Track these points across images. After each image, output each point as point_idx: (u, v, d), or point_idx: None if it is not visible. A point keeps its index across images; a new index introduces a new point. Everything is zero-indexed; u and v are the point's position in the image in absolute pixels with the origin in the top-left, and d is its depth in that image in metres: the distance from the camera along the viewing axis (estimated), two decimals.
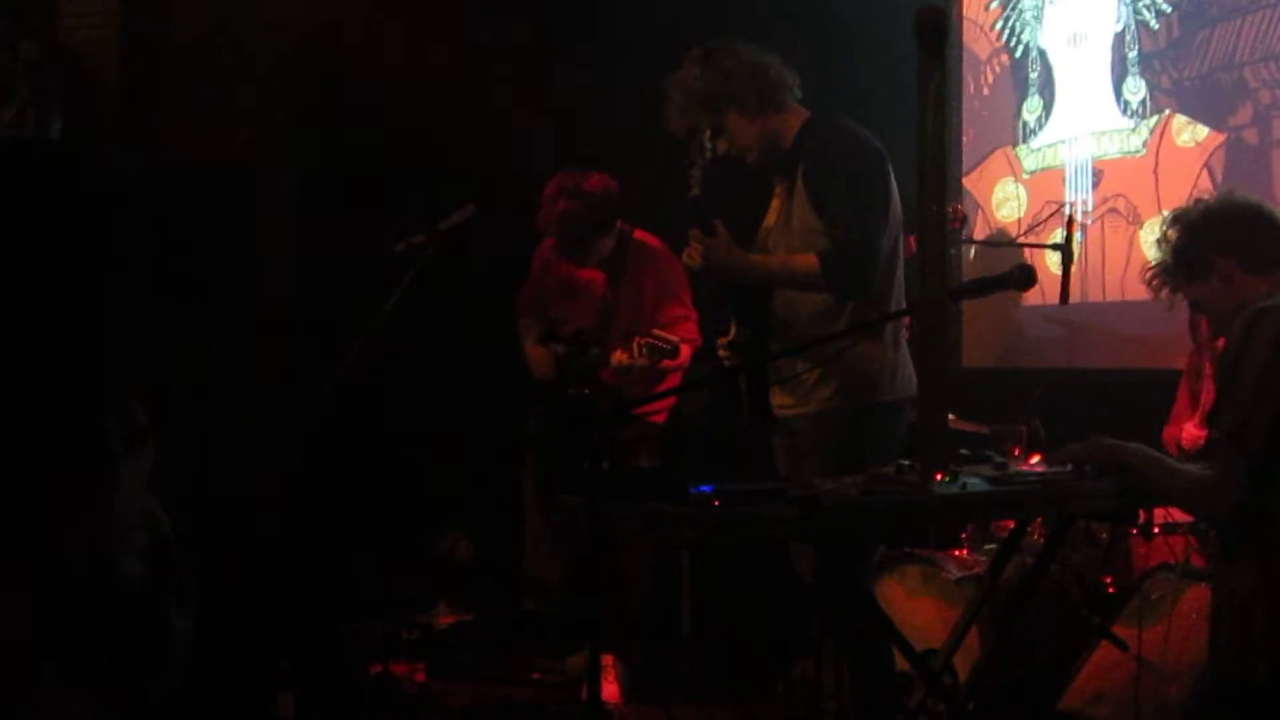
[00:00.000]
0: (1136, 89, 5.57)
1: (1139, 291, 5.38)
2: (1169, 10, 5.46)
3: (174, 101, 5.69)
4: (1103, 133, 5.71)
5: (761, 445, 4.03)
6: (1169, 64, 5.48)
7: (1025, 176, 6.04)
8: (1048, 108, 5.95)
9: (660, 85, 4.03)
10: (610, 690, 4.96)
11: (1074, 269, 4.94)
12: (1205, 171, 5.30)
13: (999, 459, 3.41)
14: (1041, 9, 6.00)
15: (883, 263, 3.84)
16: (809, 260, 3.80)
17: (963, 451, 3.40)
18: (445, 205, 4.90)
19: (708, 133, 3.94)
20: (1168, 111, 5.47)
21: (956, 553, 4.79)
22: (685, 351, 5.05)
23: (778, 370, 3.91)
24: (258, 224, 5.97)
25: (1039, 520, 4.25)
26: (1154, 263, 3.16)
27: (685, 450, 5.31)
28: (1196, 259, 3.06)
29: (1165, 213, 3.35)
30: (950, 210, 4.98)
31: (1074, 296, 5.03)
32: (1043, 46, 5.99)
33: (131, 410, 2.85)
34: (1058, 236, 5.06)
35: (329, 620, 5.21)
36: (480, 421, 5.85)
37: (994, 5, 6.21)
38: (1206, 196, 3.36)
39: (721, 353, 3.99)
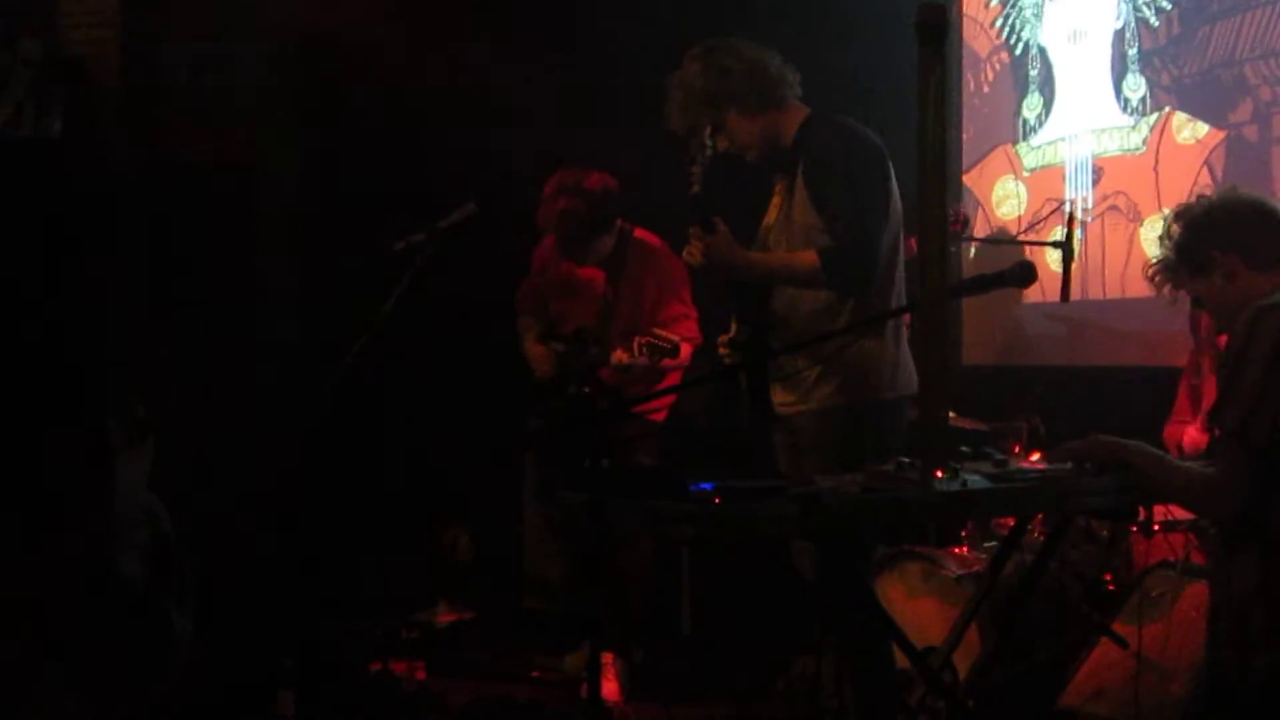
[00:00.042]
0: (1137, 86, 5.57)
1: (1139, 289, 5.39)
2: (1169, 7, 5.46)
3: (174, 101, 5.70)
4: (1103, 130, 5.71)
5: (762, 443, 4.03)
6: (1169, 61, 5.48)
7: (1025, 174, 6.03)
8: (1048, 105, 5.95)
9: (660, 83, 4.03)
10: (610, 688, 4.96)
11: (1074, 266, 4.94)
12: (1205, 169, 5.30)
13: (999, 456, 3.41)
14: (1041, 6, 6.00)
15: (883, 260, 3.84)
16: (809, 258, 3.80)
17: (963, 449, 3.40)
18: (445, 204, 4.90)
19: (708, 130, 3.94)
20: (1168, 109, 5.46)
21: (956, 550, 4.79)
22: (685, 350, 5.04)
23: (778, 368, 3.91)
24: (257, 223, 5.98)
25: (1039, 518, 4.25)
26: (1156, 259, 3.16)
27: (685, 448, 5.31)
28: (1199, 255, 3.06)
29: (1166, 210, 3.35)
30: (952, 213, 4.98)
31: (1074, 294, 5.02)
32: (1043, 44, 5.99)
33: (131, 408, 2.85)
34: (1058, 234, 5.06)
35: (329, 619, 5.21)
36: (480, 420, 5.85)
37: (994, 3, 6.21)
38: (1209, 193, 3.35)
39: (722, 350, 4.00)
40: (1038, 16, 6.01)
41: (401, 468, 5.98)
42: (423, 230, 4.81)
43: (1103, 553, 4.58)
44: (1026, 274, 3.37)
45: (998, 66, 6.20)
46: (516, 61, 6.07)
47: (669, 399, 5.21)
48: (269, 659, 4.58)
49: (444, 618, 5.85)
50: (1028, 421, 4.91)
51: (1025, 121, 6.05)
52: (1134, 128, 5.58)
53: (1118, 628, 4.12)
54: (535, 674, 5.25)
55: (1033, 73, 6.02)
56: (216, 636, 4.40)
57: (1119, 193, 5.64)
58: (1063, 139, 5.88)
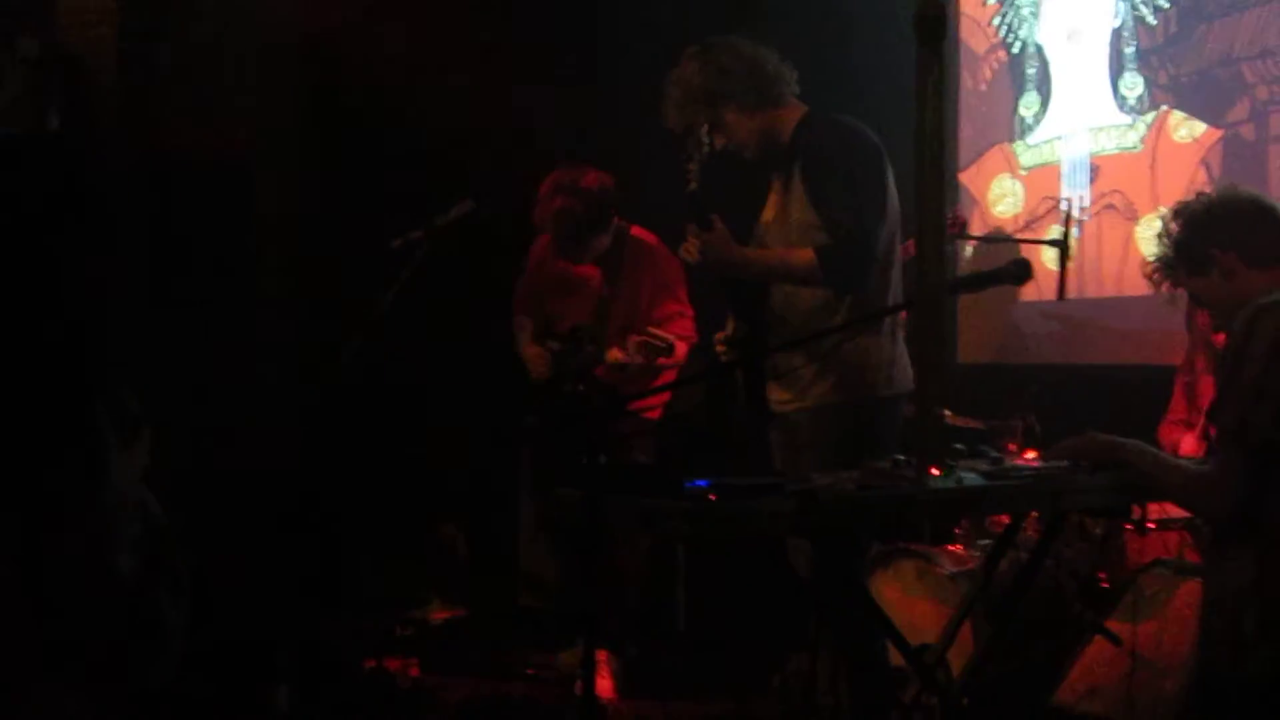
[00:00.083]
0: (1134, 85, 5.57)
1: (1135, 287, 5.40)
2: (1167, 6, 5.46)
3: (172, 101, 5.69)
4: (1100, 128, 5.71)
5: (758, 440, 4.04)
6: (1166, 60, 5.48)
7: (1022, 172, 6.04)
8: (1045, 104, 5.95)
9: (658, 81, 4.03)
10: (604, 686, 4.96)
11: (1071, 265, 4.95)
12: (1202, 167, 5.31)
13: (995, 454, 3.41)
14: (1039, 5, 6.00)
15: (880, 257, 3.85)
16: (806, 255, 3.80)
17: (958, 447, 3.40)
18: (443, 203, 4.90)
19: (705, 128, 3.95)
20: (1165, 107, 5.47)
21: (951, 548, 4.79)
22: (681, 349, 5.05)
23: (775, 365, 3.91)
24: (255, 221, 5.98)
25: (1034, 516, 4.26)
26: (1155, 256, 3.16)
27: (681, 445, 5.31)
28: (1198, 253, 3.06)
29: (1163, 208, 3.35)
30: (950, 216, 4.99)
31: (1071, 292, 5.03)
32: (1040, 42, 5.99)
33: (124, 401, 2.85)
34: (1054, 232, 5.06)
35: (325, 615, 5.21)
36: (477, 417, 5.85)
37: (991, 1, 6.21)
38: (1208, 190, 3.35)
39: (719, 348, 4.00)
40: (1035, 15, 6.01)
41: (398, 464, 5.98)
42: (420, 228, 4.81)
43: (1097, 551, 4.58)
44: (1023, 272, 3.37)
45: (995, 65, 6.20)
46: (514, 60, 6.08)
47: (664, 397, 5.21)
48: (265, 655, 4.58)
49: (438, 615, 5.85)
50: (1023, 419, 4.91)
51: (1022, 120, 6.05)
52: (1131, 126, 5.59)
53: (1112, 626, 4.13)
54: (530, 671, 5.25)
55: (1030, 71, 6.02)
56: (212, 633, 4.41)
57: (1116, 191, 5.65)
58: (1059, 137, 5.88)
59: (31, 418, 2.54)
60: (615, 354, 5.02)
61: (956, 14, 6.22)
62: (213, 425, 5.29)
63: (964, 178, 6.24)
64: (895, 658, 3.56)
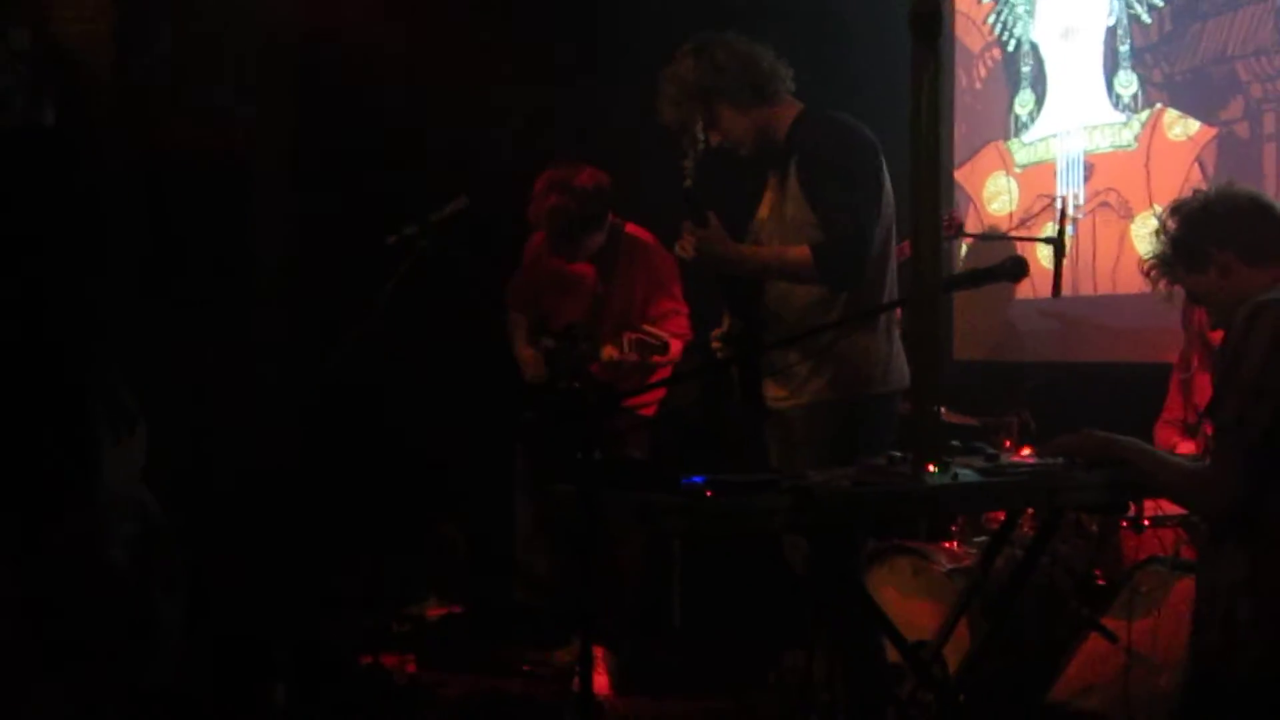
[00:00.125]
0: (1128, 83, 5.58)
1: (1130, 285, 5.41)
2: (1161, 4, 5.47)
3: (170, 97, 5.69)
4: (1094, 127, 5.71)
5: (754, 437, 4.04)
6: (1161, 58, 5.49)
7: (1017, 170, 6.04)
8: (1039, 102, 5.96)
9: (653, 78, 4.03)
10: (600, 682, 4.97)
11: (1065, 262, 4.95)
12: (1196, 165, 5.31)
13: (990, 451, 3.41)
14: (1034, 3, 6.00)
15: (875, 255, 3.85)
16: (802, 252, 3.80)
17: (954, 443, 3.40)
18: (440, 201, 4.90)
19: (700, 125, 3.95)
20: (1159, 105, 5.47)
21: (947, 545, 4.80)
22: (675, 346, 5.04)
23: (770, 362, 3.91)
24: (252, 218, 5.97)
25: (1029, 513, 4.26)
26: (1152, 253, 3.15)
27: (676, 442, 5.31)
28: (1195, 250, 3.06)
29: (1157, 206, 3.35)
30: (946, 217, 4.99)
31: (1065, 290, 5.03)
32: (1035, 40, 5.99)
33: (119, 398, 2.84)
34: (1049, 230, 5.07)
35: (322, 613, 5.21)
36: (474, 414, 5.85)
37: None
38: (1206, 188, 3.35)
39: (715, 344, 4.00)
40: (1030, 13, 6.02)
41: (395, 462, 5.98)
42: (415, 223, 4.81)
43: (1093, 548, 4.59)
44: (1019, 269, 3.38)
45: (990, 63, 6.21)
46: (512, 58, 6.08)
47: (660, 393, 5.21)
48: (262, 653, 4.58)
49: (434, 611, 5.85)
50: (1019, 416, 4.93)
51: (1017, 118, 6.06)
52: (1125, 124, 5.59)
53: (1107, 622, 4.14)
54: (526, 668, 5.25)
55: (1025, 69, 6.03)
56: (211, 630, 4.41)
57: (1110, 189, 5.65)
58: (1054, 135, 5.88)
59: (25, 415, 2.54)
60: (610, 351, 5.02)
61: (951, 12, 6.23)
62: (210, 424, 5.29)
63: (959, 175, 6.24)
64: (892, 654, 3.56)
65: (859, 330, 3.82)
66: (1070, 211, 5.48)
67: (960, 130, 6.28)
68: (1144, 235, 5.33)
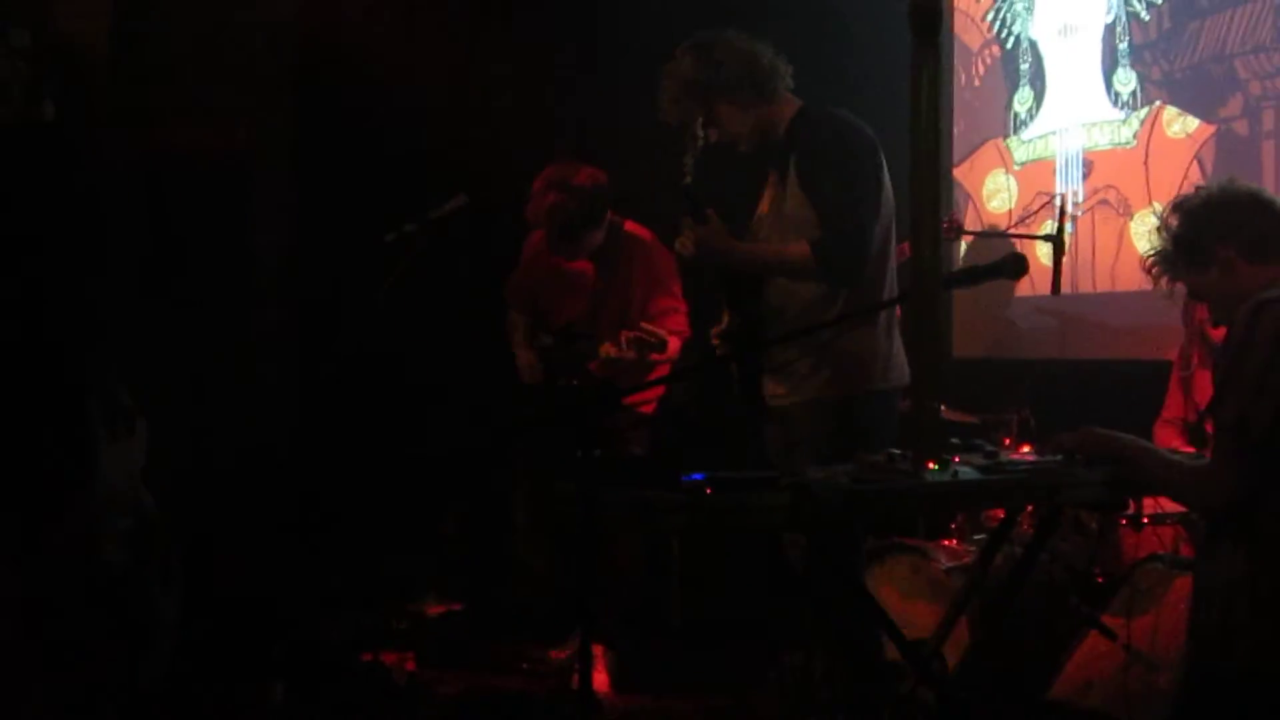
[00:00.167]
0: (1127, 80, 5.58)
1: (1129, 283, 5.41)
2: (1160, 2, 5.47)
3: (168, 94, 5.69)
4: (1093, 124, 5.71)
5: (753, 434, 4.04)
6: (1160, 55, 5.49)
7: (1016, 168, 6.04)
8: (1038, 99, 5.96)
9: (653, 78, 4.03)
10: (599, 680, 4.96)
11: (1064, 260, 4.95)
12: (1195, 163, 5.31)
13: (990, 449, 3.41)
14: (1033, 0, 6.00)
15: (875, 251, 3.85)
16: (801, 249, 3.81)
17: (954, 441, 3.40)
18: (439, 199, 4.90)
19: (700, 122, 3.95)
20: (1158, 103, 5.47)
21: (946, 543, 4.80)
22: (674, 344, 5.05)
23: (770, 359, 3.91)
24: (252, 215, 5.97)
25: (1029, 510, 4.26)
26: (1154, 250, 3.15)
27: (675, 439, 5.31)
28: (1197, 247, 3.05)
29: (1156, 204, 3.35)
30: (946, 221, 4.99)
31: (1065, 288, 5.03)
32: (1034, 38, 5.99)
33: (116, 395, 2.84)
34: (1048, 228, 5.07)
35: (320, 610, 5.21)
36: (473, 412, 5.85)
37: None
38: (1207, 184, 3.34)
39: (715, 342, 4.00)
40: (1029, 10, 6.02)
41: (394, 459, 5.98)
42: (414, 221, 4.81)
43: (1092, 545, 4.59)
44: (1018, 266, 3.38)
45: (988, 60, 6.21)
46: (510, 56, 6.08)
47: (659, 390, 5.21)
48: (262, 651, 4.58)
49: (433, 608, 5.85)
50: (1018, 414, 4.93)
51: (1016, 115, 6.06)
52: (1124, 122, 5.59)
53: (1107, 620, 4.14)
54: (524, 665, 5.25)
55: (1023, 67, 6.03)
56: (210, 628, 4.41)
57: (1109, 187, 5.65)
58: (1053, 133, 5.88)
59: (21, 412, 2.54)
60: (607, 349, 5.02)
61: (950, 9, 6.22)
62: (210, 422, 5.29)
63: (958, 173, 6.24)
64: (891, 652, 3.56)
65: (859, 327, 3.82)
66: (1069, 209, 5.47)
67: (959, 128, 6.28)
68: (1143, 233, 5.36)
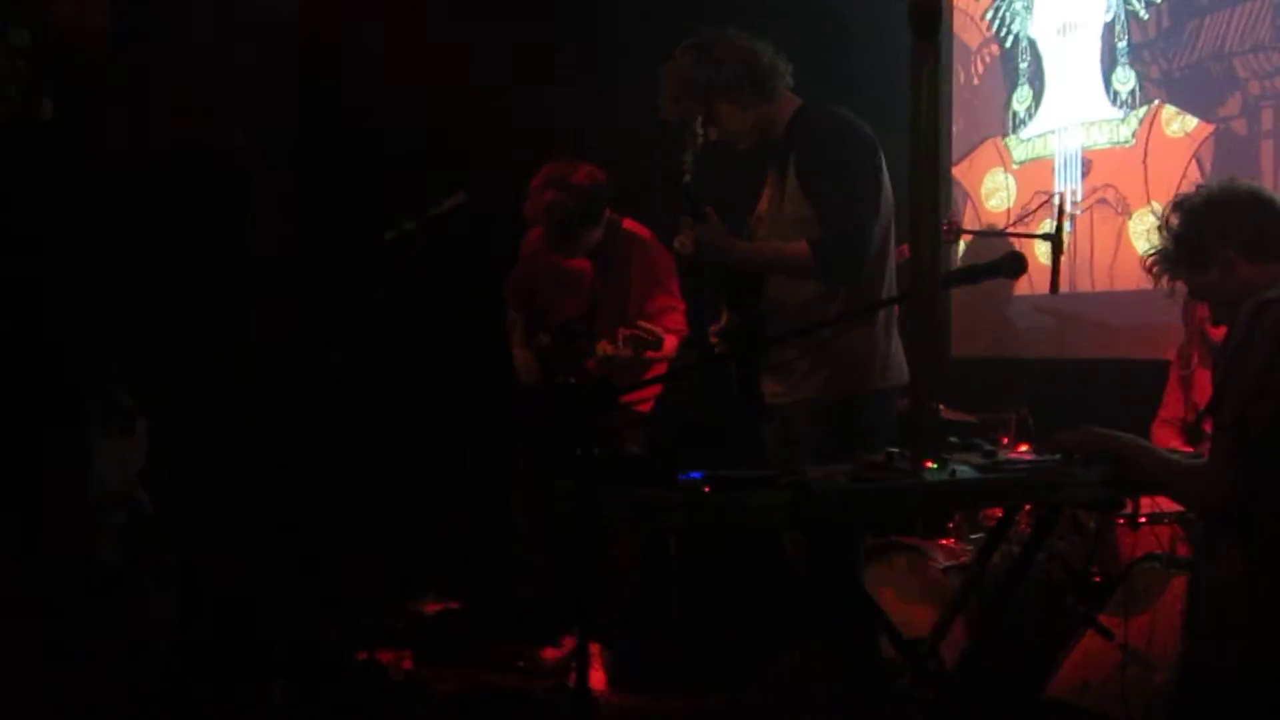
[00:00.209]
0: (1126, 79, 5.58)
1: (1128, 282, 5.42)
2: (1159, 1, 5.47)
3: (170, 95, 5.68)
4: (1092, 123, 5.72)
5: (751, 433, 4.04)
6: (1159, 54, 5.49)
7: (1015, 167, 6.05)
8: (1037, 98, 5.96)
9: (653, 77, 4.04)
10: (596, 678, 4.97)
11: (1063, 259, 4.95)
12: (1194, 162, 5.31)
13: (988, 448, 3.42)
14: None
15: (874, 251, 3.85)
16: (801, 247, 3.81)
17: (952, 440, 3.41)
18: (439, 197, 4.90)
19: (700, 120, 3.95)
20: (1157, 102, 5.48)
21: (944, 541, 4.80)
22: (672, 342, 5.05)
23: (769, 358, 3.92)
24: (251, 213, 5.97)
25: (1027, 509, 4.27)
26: (1154, 249, 3.14)
27: (673, 438, 5.31)
28: (1197, 246, 3.04)
29: (1155, 203, 3.35)
30: (945, 222, 5.00)
31: (1063, 286, 5.04)
32: (1033, 36, 6.00)
33: (116, 395, 2.84)
34: (1047, 226, 5.07)
35: (320, 609, 5.21)
36: (471, 410, 5.85)
37: None
38: (1208, 183, 3.34)
39: (713, 340, 4.00)
40: (1028, 9, 6.02)
41: (393, 458, 5.98)
42: (413, 218, 4.82)
43: (1089, 545, 4.59)
44: (1017, 264, 3.38)
45: (988, 59, 6.21)
46: (514, 57, 6.08)
47: (657, 389, 5.21)
48: (261, 651, 4.58)
49: (431, 607, 5.85)
50: (1017, 413, 4.93)
51: (1015, 114, 6.06)
52: (1123, 121, 5.60)
53: (1104, 619, 4.14)
54: (521, 664, 5.25)
55: (1022, 65, 6.03)
56: (209, 628, 4.42)
57: (1108, 186, 5.65)
58: (1052, 132, 5.89)
59: (19, 411, 2.54)
60: (604, 347, 5.02)
61: (950, 8, 6.22)
62: (210, 422, 5.29)
63: (956, 172, 6.25)
64: (889, 651, 3.56)
65: (858, 326, 3.83)
66: (1068, 208, 5.47)
67: (958, 126, 6.28)
68: (1142, 232, 5.36)
